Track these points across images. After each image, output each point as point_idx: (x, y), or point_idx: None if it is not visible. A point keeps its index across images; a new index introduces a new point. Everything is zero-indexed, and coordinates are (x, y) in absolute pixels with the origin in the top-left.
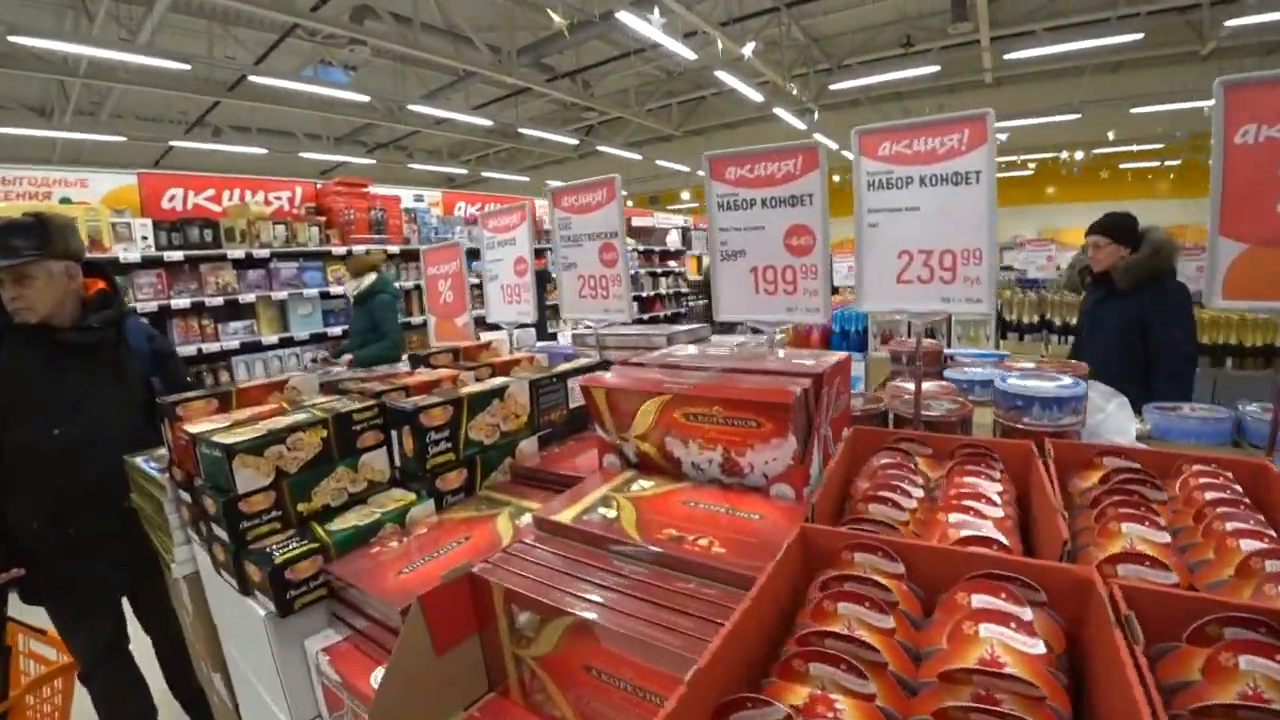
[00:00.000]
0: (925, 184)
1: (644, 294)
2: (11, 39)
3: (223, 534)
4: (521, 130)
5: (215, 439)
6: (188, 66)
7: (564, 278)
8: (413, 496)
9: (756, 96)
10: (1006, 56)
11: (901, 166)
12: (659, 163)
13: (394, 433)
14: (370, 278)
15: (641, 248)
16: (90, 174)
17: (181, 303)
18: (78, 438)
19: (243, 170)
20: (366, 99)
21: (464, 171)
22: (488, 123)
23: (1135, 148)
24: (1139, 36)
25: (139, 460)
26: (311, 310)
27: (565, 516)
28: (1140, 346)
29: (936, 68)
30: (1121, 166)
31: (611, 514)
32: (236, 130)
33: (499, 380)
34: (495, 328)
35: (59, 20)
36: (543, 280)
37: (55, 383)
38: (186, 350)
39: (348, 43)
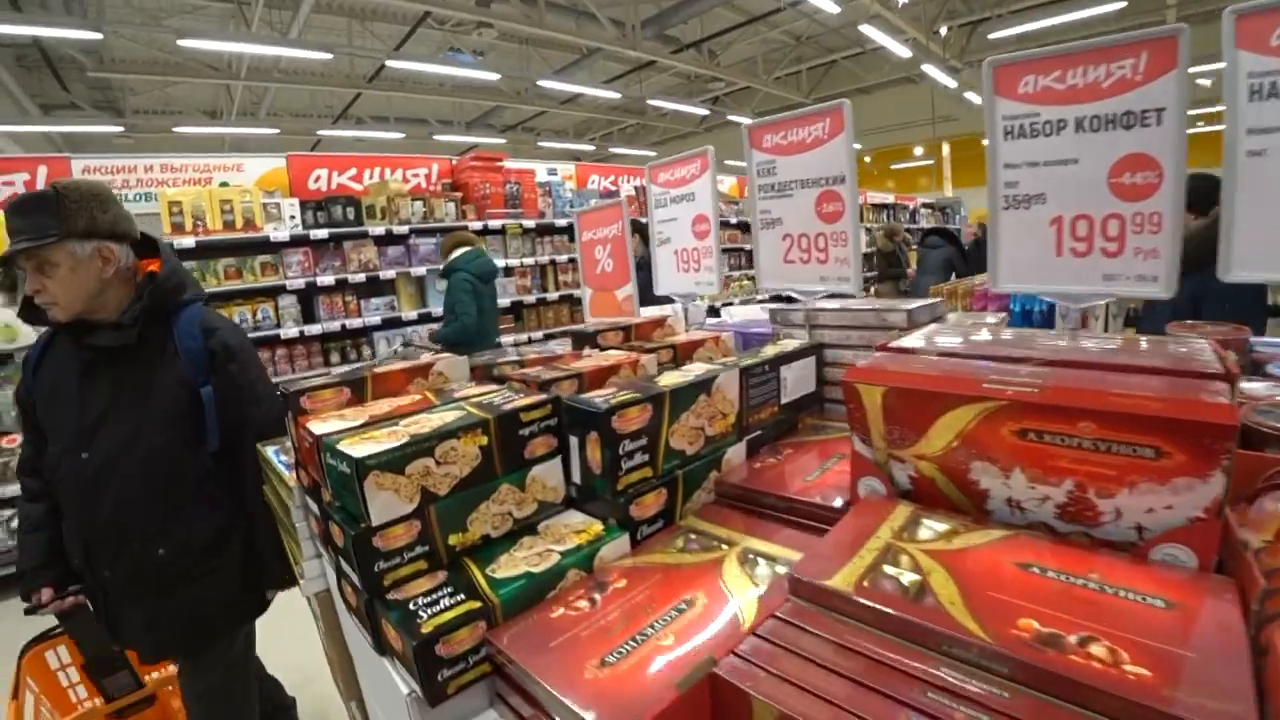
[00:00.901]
0: None
1: None
2: (180, 43)
3: (353, 574)
4: (650, 102)
5: (343, 447)
6: (329, 55)
7: (763, 238)
8: (598, 526)
9: (904, 52)
10: None
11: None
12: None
13: (573, 439)
14: (459, 252)
15: None
16: (245, 159)
17: (326, 280)
18: (98, 466)
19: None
20: (496, 76)
21: (591, 148)
22: (616, 95)
23: None
24: None
25: (269, 451)
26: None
27: (843, 581)
28: None
29: (1122, 3)
30: None
31: (911, 579)
32: (376, 120)
33: (700, 368)
34: (664, 300)
35: (222, 26)
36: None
37: (81, 397)
38: (331, 326)
39: (475, 27)
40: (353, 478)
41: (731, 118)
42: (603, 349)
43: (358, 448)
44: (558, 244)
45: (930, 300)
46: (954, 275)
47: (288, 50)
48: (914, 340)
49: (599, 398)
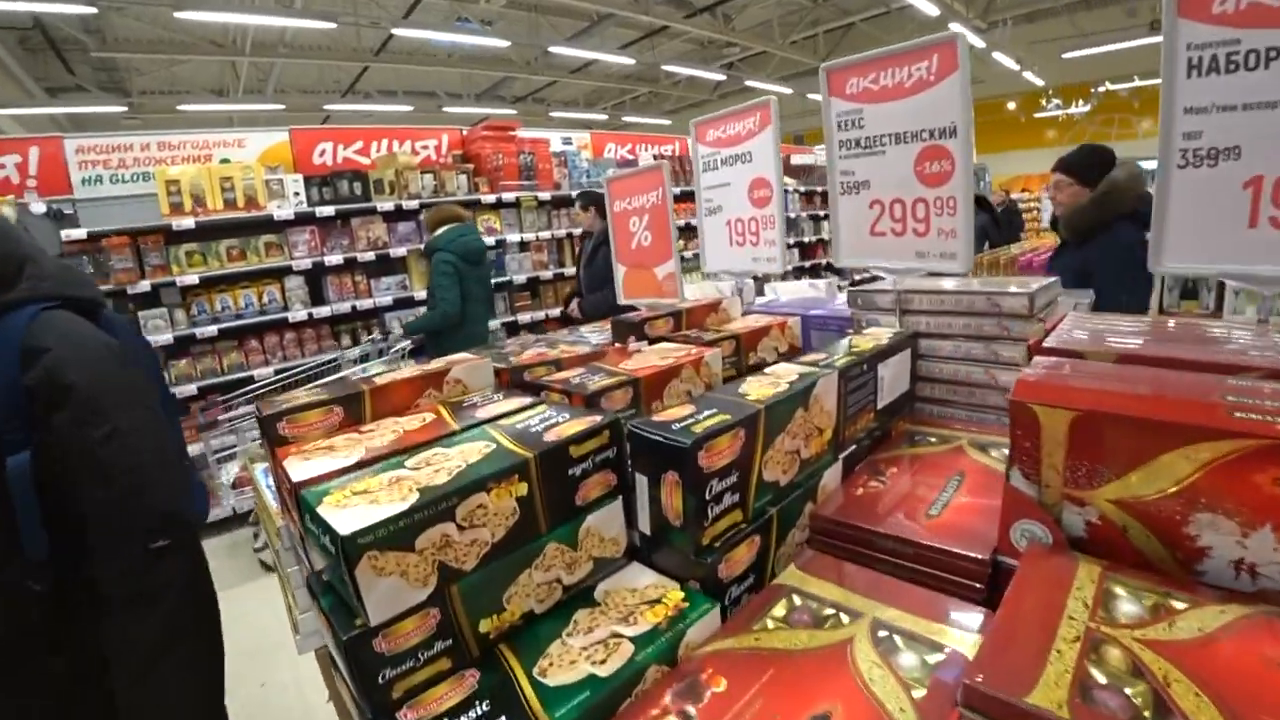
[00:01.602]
0: None
1: (805, 239)
2: (178, 15)
3: (350, 683)
4: (665, 68)
5: (326, 510)
6: (333, 25)
7: (843, 205)
8: (675, 591)
9: (932, 10)
10: None
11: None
12: (810, 96)
13: (640, 477)
14: (439, 231)
15: (802, 188)
16: (246, 133)
17: (334, 259)
18: None
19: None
20: (507, 44)
21: (604, 117)
22: (630, 61)
23: None
24: None
25: (258, 470)
26: None
27: (1048, 698)
28: None
29: None
30: None
31: (1142, 693)
32: (383, 94)
33: (789, 370)
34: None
35: (225, 1)
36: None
37: None
38: (341, 308)
39: None
40: (340, 559)
41: (750, 83)
42: (651, 340)
43: (347, 513)
44: (575, 217)
45: (1045, 280)
46: (988, 244)
47: (290, 20)
48: (1073, 337)
49: (676, 422)
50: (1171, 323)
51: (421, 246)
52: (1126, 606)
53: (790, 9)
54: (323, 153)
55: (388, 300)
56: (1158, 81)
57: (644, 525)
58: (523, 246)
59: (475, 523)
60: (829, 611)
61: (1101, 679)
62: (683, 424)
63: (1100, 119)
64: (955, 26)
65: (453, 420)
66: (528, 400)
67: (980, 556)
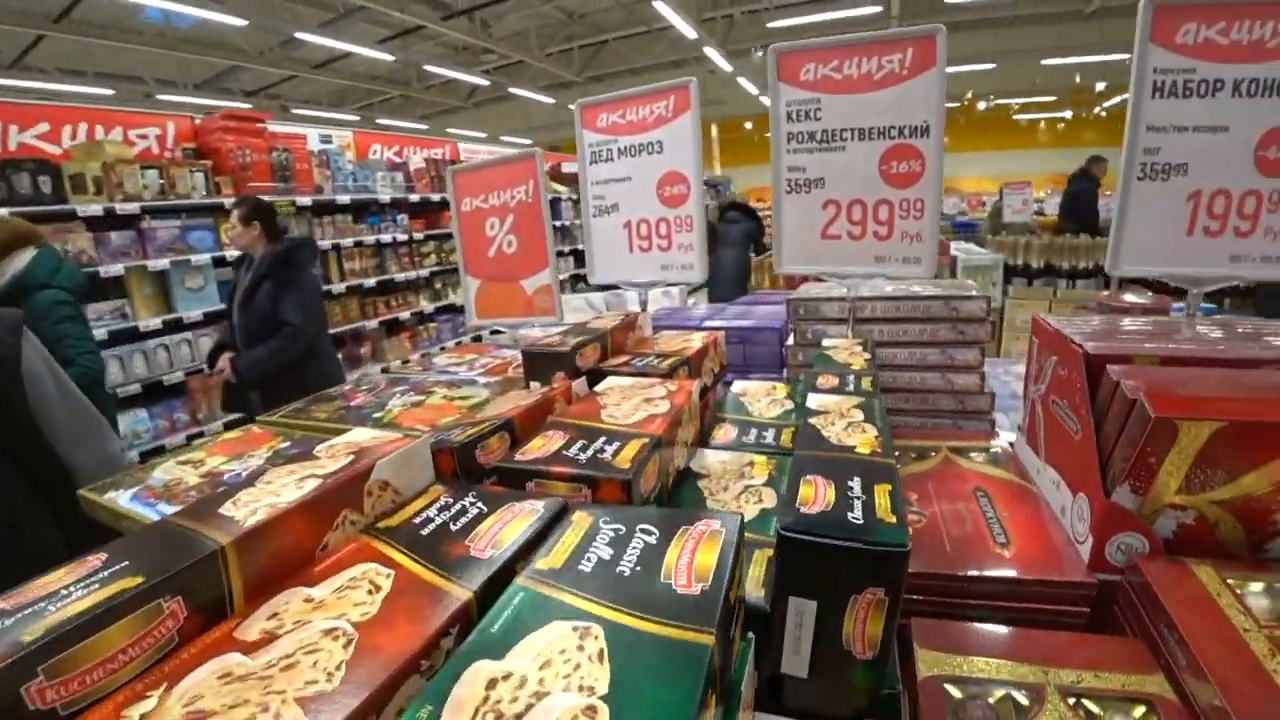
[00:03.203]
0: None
1: (581, 248)
2: None
3: None
4: (426, 68)
5: None
6: None
7: (789, 205)
8: None
9: (691, 33)
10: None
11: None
12: (571, 107)
13: (804, 602)
14: (21, 259)
15: (575, 196)
16: None
17: None
18: None
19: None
20: (244, 23)
21: (356, 118)
22: (389, 57)
23: (1035, 99)
24: None
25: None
26: (203, 282)
27: None
28: None
29: (878, 8)
30: (1016, 118)
31: None
32: (69, 73)
33: (842, 402)
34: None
35: None
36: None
37: None
38: None
39: None
40: None
41: (514, 90)
42: (590, 376)
43: None
44: (340, 226)
45: (970, 283)
46: (753, 248)
47: None
48: (1104, 342)
49: (842, 510)
50: (1140, 321)
51: (146, 263)
52: (1264, 601)
53: (547, 21)
54: None
55: (100, 333)
56: None
57: (795, 666)
58: None
59: None
60: (999, 694)
61: None
62: (859, 514)
63: None
64: (710, 51)
65: (436, 576)
66: (538, 507)
67: (1088, 580)
